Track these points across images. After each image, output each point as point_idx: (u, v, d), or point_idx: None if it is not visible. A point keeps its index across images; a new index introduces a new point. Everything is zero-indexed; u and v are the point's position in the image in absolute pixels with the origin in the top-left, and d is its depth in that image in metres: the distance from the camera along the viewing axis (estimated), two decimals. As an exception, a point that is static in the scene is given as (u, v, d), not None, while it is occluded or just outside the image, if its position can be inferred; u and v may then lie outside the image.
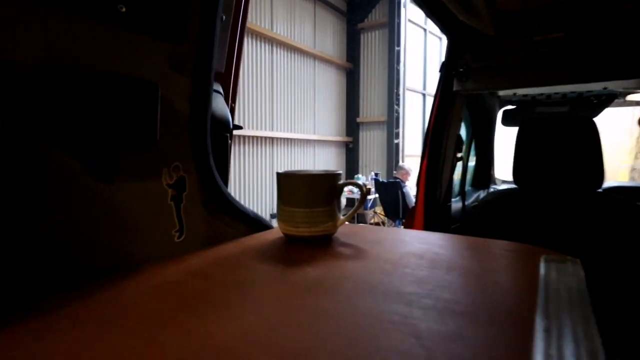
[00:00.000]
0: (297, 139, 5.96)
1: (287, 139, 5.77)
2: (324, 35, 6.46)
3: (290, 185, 0.57)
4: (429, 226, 1.49)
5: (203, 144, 0.55)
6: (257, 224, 0.67)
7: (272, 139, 5.47)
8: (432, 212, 1.51)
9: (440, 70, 1.52)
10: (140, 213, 0.48)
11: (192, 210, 0.55)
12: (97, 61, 0.42)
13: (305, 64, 6.13)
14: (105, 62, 0.43)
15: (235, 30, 0.81)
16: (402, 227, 3.26)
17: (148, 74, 0.47)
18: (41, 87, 0.37)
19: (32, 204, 0.38)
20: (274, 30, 5.33)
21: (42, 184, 0.39)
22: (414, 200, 1.88)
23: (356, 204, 0.63)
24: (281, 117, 5.64)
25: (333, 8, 6.58)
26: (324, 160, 6.64)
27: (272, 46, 5.37)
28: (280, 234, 0.60)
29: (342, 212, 0.61)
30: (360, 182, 0.67)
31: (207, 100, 0.55)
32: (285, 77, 5.71)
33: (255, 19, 5.08)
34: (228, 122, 0.79)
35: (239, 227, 0.63)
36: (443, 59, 1.52)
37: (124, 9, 0.43)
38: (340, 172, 0.60)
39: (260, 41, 5.18)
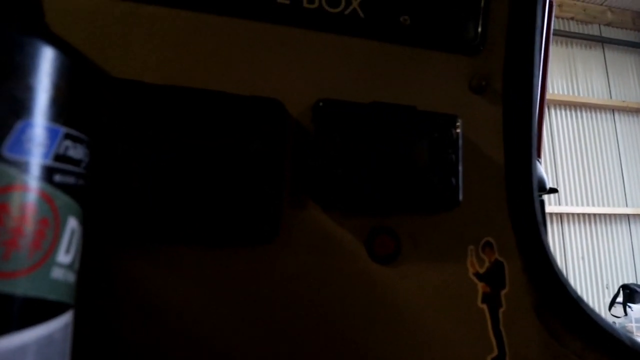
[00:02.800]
0: (599, 214, 4.57)
1: (582, 214, 4.51)
2: (623, 81, 5.07)
3: None
4: None
5: (529, 208, 0.33)
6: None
7: (559, 214, 4.42)
8: None
9: None
10: (432, 320, 0.30)
11: (518, 322, 0.32)
12: (381, 91, 0.30)
13: (600, 119, 4.90)
14: (392, 91, 0.31)
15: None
16: None
17: (443, 102, 0.32)
18: (319, 126, 0.28)
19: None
20: (551, 91, 4.63)
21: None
22: None
23: None
24: (570, 188, 4.54)
25: (630, 45, 5.17)
26: (649, 243, 4.71)
27: (549, 109, 4.65)
28: None
29: None
30: None
31: (530, 138, 0.34)
32: (571, 140, 4.70)
33: (524, 84, 4.62)
34: (543, 180, 0.54)
35: (601, 362, 0.34)
36: None
37: (408, 21, 0.31)
38: None
39: (533, 106, 4.60)
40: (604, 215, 4.88)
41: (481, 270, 0.31)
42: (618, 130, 4.98)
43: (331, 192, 0.27)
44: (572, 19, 4.99)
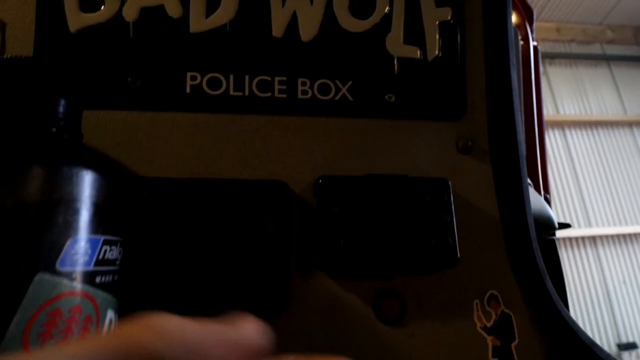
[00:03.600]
0: (634, 234, 4.34)
1: (617, 235, 4.30)
2: (635, 94, 5.02)
3: None
4: None
5: (529, 256, 0.34)
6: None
7: (592, 238, 4.22)
8: None
9: None
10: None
11: (532, 375, 0.32)
12: (375, 164, 0.34)
13: (617, 135, 4.80)
14: (385, 163, 0.34)
15: (528, 93, 0.62)
16: None
17: (433, 166, 0.35)
18: (320, 200, 0.31)
19: None
20: (561, 112, 4.61)
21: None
22: None
23: None
24: (599, 208, 4.37)
25: (636, 60, 5.16)
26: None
27: (563, 130, 4.60)
28: None
29: None
30: None
31: (521, 189, 0.36)
32: (592, 159, 4.60)
33: (535, 108, 4.62)
34: (550, 219, 0.55)
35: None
36: None
37: (393, 98, 0.35)
38: None
39: (548, 129, 4.57)
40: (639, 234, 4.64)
41: (489, 324, 0.32)
42: (639, 144, 4.84)
43: (336, 261, 0.30)
44: (572, 40, 5.05)
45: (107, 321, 0.22)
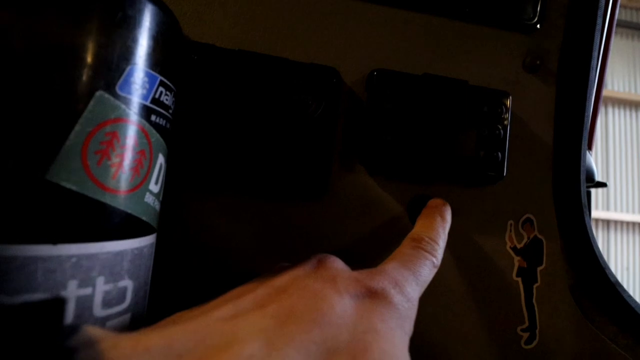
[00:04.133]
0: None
1: (632, 222, 4.21)
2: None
3: None
4: None
5: (575, 192, 0.33)
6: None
7: (607, 221, 4.15)
8: None
9: None
10: (466, 286, 0.31)
11: (552, 300, 0.32)
12: (435, 65, 0.32)
13: (663, 121, 4.49)
14: (446, 66, 0.32)
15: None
16: None
17: (496, 79, 0.32)
18: (372, 94, 0.30)
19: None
20: (610, 87, 4.30)
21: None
22: None
23: None
24: (622, 193, 4.25)
25: None
26: None
27: (606, 106, 4.32)
28: None
29: None
30: None
31: (582, 122, 0.34)
32: (627, 142, 4.37)
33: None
34: (591, 171, 0.53)
35: (635, 349, 0.34)
36: None
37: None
38: None
39: (588, 104, 4.28)
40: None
41: (519, 245, 0.32)
42: (686, 133, 4.56)
43: (379, 157, 0.29)
44: (641, 10, 4.56)
45: (158, 164, 0.22)
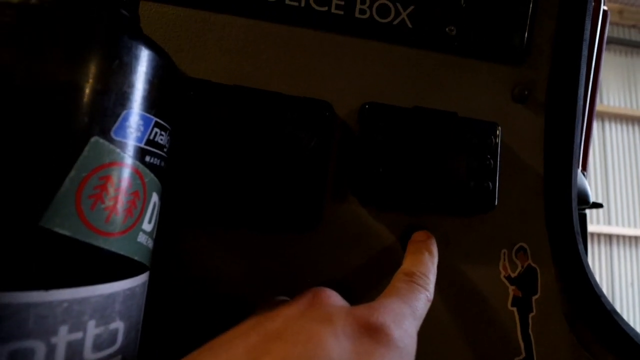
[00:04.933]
0: (653, 238, 4.21)
1: (635, 237, 4.19)
2: (690, 95, 4.65)
3: None
4: None
5: (566, 218, 0.33)
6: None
7: (609, 236, 4.13)
8: None
9: None
10: (461, 317, 0.31)
11: (548, 329, 0.32)
12: (425, 97, 0.32)
13: (659, 137, 4.52)
14: (436, 98, 0.32)
15: (588, 58, 0.58)
16: None
17: (485, 110, 0.33)
18: (364, 127, 0.30)
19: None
20: (606, 103, 4.34)
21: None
22: None
23: None
24: (622, 207, 4.24)
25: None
26: None
27: (602, 122, 4.36)
28: None
29: None
30: None
31: (571, 150, 0.34)
32: (626, 157, 4.39)
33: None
34: (585, 194, 0.53)
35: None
36: None
37: (454, 31, 0.33)
38: None
39: (585, 119, 4.31)
40: (659, 239, 4.52)
41: (513, 274, 0.32)
42: (681, 149, 4.58)
43: (371, 188, 0.30)
44: (633, 26, 4.66)
45: (151, 203, 0.22)
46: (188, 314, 0.28)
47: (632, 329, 0.34)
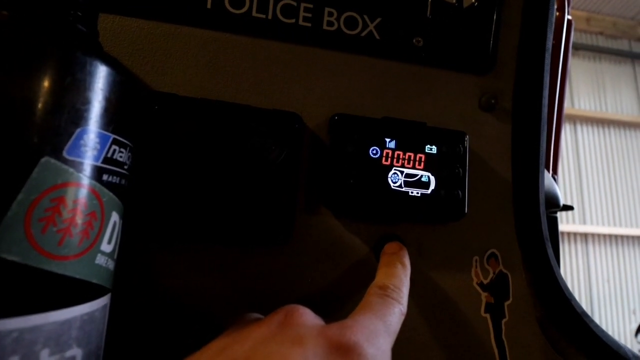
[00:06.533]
0: (626, 236, 4.38)
1: (609, 235, 4.34)
2: (655, 98, 4.88)
3: None
4: None
5: (535, 225, 0.34)
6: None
7: (584, 235, 4.26)
8: None
9: None
10: (435, 325, 0.31)
11: (521, 334, 0.33)
12: (394, 108, 0.33)
13: (629, 137, 4.73)
14: (405, 108, 0.33)
15: (554, 66, 0.60)
16: None
17: (454, 119, 0.33)
18: (334, 138, 0.30)
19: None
20: (576, 107, 4.51)
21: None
22: None
23: None
24: (596, 207, 4.39)
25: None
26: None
27: (574, 125, 4.52)
28: None
29: None
30: None
31: (537, 156, 0.35)
32: (598, 158, 4.56)
33: (550, 99, 4.51)
34: (556, 197, 0.54)
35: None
36: None
37: (421, 43, 0.33)
38: None
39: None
40: (632, 237, 4.71)
41: (485, 281, 0.33)
42: (649, 149, 4.78)
43: (343, 200, 0.29)
44: (600, 33, 4.86)
45: (111, 223, 0.21)
46: (156, 333, 0.27)
47: (602, 330, 0.34)
